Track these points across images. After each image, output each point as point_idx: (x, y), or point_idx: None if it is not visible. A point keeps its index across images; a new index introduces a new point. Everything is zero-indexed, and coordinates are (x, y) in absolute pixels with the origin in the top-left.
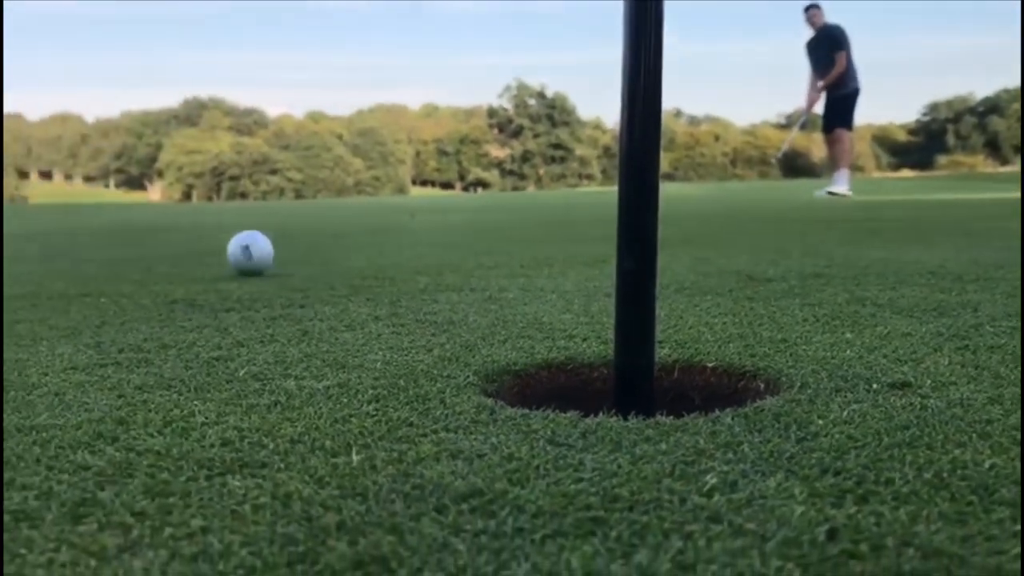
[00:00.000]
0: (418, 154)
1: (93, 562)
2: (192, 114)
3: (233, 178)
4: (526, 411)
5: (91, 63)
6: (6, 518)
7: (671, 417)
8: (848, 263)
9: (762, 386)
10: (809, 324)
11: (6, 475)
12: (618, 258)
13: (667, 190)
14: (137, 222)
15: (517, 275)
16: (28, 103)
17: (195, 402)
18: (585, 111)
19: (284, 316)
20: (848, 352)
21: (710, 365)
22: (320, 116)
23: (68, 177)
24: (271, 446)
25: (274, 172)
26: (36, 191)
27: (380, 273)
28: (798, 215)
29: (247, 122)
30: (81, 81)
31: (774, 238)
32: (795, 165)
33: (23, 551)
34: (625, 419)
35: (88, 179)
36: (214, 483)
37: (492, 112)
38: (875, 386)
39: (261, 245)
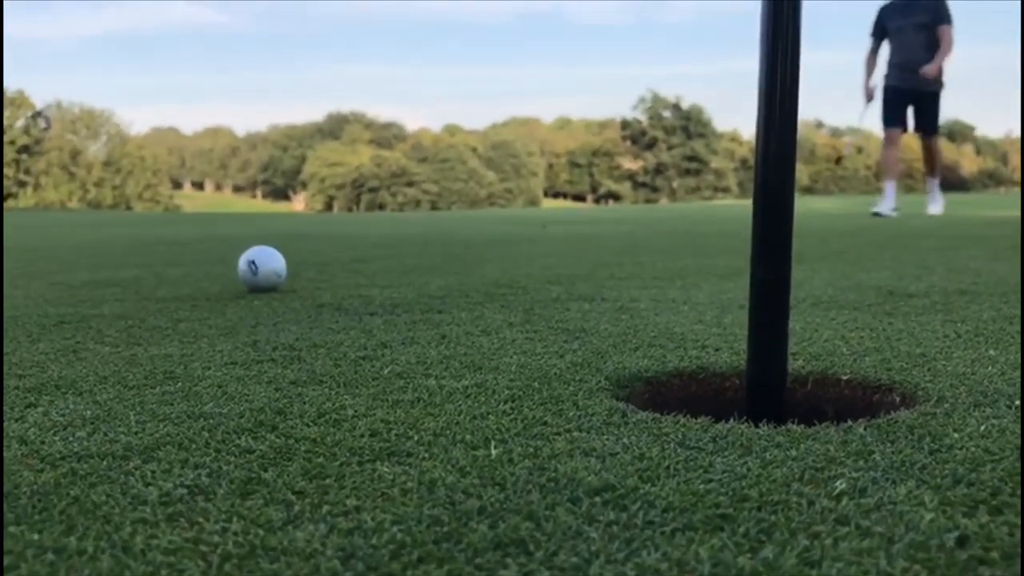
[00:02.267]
0: (550, 167)
1: (261, 532)
2: (335, 128)
3: (372, 190)
4: (657, 415)
5: (242, 79)
6: (183, 491)
7: (802, 426)
8: (997, 280)
9: (898, 399)
10: (950, 340)
11: (180, 455)
12: (752, 268)
13: (807, 204)
14: (284, 231)
15: (649, 286)
16: (183, 117)
17: (345, 396)
18: (722, 123)
19: (423, 320)
20: (990, 368)
21: (844, 377)
22: (456, 129)
23: (218, 187)
24: (416, 438)
25: (411, 184)
26: (189, 200)
27: (513, 282)
28: (944, 230)
29: (386, 135)
30: (232, 96)
31: (918, 253)
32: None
33: (200, 520)
34: (756, 426)
35: (237, 189)
36: (365, 468)
37: (625, 124)
38: (1017, 403)
39: (265, 260)
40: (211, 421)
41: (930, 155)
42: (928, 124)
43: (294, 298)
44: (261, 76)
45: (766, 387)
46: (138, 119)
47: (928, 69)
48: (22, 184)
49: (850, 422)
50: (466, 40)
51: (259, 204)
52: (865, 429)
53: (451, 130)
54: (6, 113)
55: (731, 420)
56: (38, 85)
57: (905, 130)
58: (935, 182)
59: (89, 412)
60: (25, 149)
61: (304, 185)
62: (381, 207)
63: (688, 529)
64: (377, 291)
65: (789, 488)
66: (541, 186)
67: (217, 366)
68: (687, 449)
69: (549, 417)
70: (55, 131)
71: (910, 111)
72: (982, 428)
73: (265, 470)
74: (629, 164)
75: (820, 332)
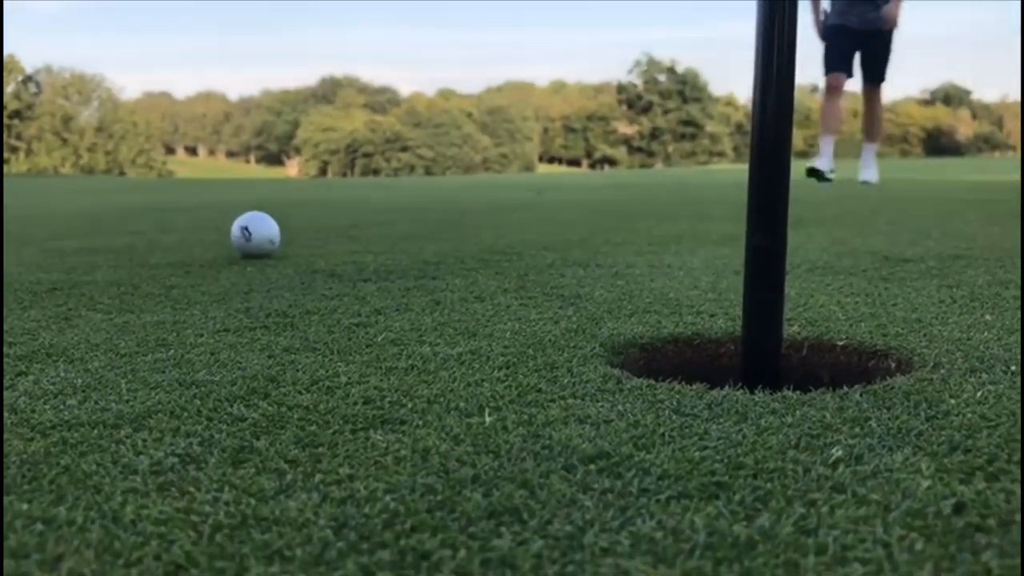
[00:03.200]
0: (546, 131)
1: (253, 501)
2: (328, 92)
3: (366, 155)
4: (652, 382)
5: (235, 43)
6: (174, 460)
7: (798, 392)
8: (992, 245)
9: (893, 365)
10: (946, 305)
11: (172, 423)
12: (748, 233)
13: (801, 168)
14: (278, 197)
15: (644, 252)
16: (175, 82)
17: (338, 363)
18: (718, 87)
19: (418, 287)
20: (986, 334)
21: (840, 343)
22: (451, 94)
23: (212, 153)
24: (409, 405)
25: (405, 149)
26: (183, 166)
27: (508, 248)
28: (940, 195)
29: (381, 100)
30: (225, 60)
31: (914, 218)
32: (939, 144)
33: (192, 489)
34: (751, 393)
35: (230, 155)
36: (358, 436)
37: (621, 88)
38: (1013, 368)
39: (258, 226)
40: (203, 389)
41: (872, 112)
42: (876, 70)
43: (288, 264)
44: (254, 40)
45: (762, 353)
46: (130, 84)
47: (888, 11)
48: (14, 150)
49: (846, 388)
50: (461, 3)
51: (253, 169)
52: (861, 395)
53: (446, 95)
54: None
55: (726, 387)
56: (27, 50)
57: (850, 75)
58: (873, 148)
59: (80, 380)
60: (16, 114)
61: (298, 150)
62: (375, 172)
63: (683, 497)
64: (371, 257)
65: (785, 455)
66: (536, 151)
67: (210, 333)
68: (682, 416)
69: (543, 384)
70: (46, 96)
71: (857, 56)
72: (978, 394)
73: (257, 438)
74: (624, 129)
75: (816, 298)
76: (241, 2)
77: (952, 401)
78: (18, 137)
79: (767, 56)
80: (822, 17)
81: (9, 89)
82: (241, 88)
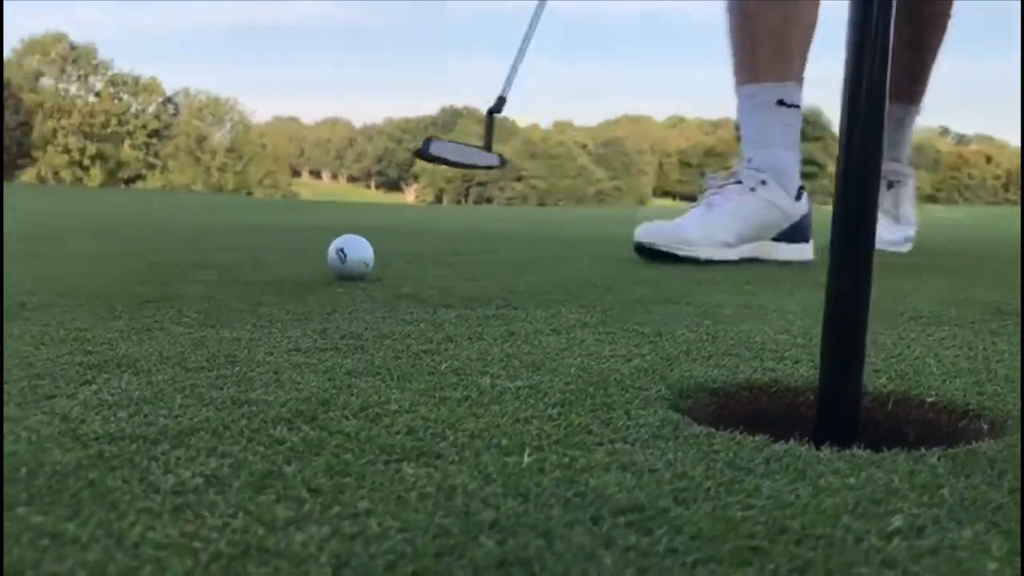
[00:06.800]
0: (661, 166)
1: (262, 531)
2: (448, 122)
3: (481, 184)
4: (712, 430)
5: (361, 71)
6: (199, 481)
7: (869, 451)
8: None
9: (985, 427)
10: None
11: (211, 442)
12: (828, 277)
13: (927, 213)
14: (386, 222)
15: (740, 291)
16: (304, 107)
17: (394, 390)
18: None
19: (496, 316)
20: None
21: (929, 399)
22: (567, 126)
23: (335, 177)
24: (451, 438)
25: (519, 180)
26: (306, 188)
27: (600, 281)
28: None
29: (497, 131)
30: (352, 88)
31: None
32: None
33: (205, 513)
34: (817, 449)
35: (352, 179)
36: (390, 468)
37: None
38: None
39: (354, 248)
40: (253, 408)
41: (932, 25)
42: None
43: (377, 287)
44: (379, 69)
45: (837, 406)
46: (261, 108)
47: None
48: (151, 166)
49: (923, 450)
50: (581, 37)
51: (372, 195)
52: (939, 459)
53: (561, 127)
54: (139, 100)
55: (791, 440)
56: (168, 73)
57: None
58: (911, 121)
59: (138, 392)
60: (155, 133)
61: (416, 178)
62: (488, 201)
63: (712, 561)
64: (460, 284)
65: (837, 521)
66: (651, 185)
67: (280, 352)
68: (735, 470)
69: (595, 425)
70: (183, 117)
71: None
72: None
73: (289, 463)
74: None
75: (912, 349)
76: (367, 33)
77: None
78: (156, 155)
79: (854, 88)
80: None
81: (150, 109)
82: (365, 115)
